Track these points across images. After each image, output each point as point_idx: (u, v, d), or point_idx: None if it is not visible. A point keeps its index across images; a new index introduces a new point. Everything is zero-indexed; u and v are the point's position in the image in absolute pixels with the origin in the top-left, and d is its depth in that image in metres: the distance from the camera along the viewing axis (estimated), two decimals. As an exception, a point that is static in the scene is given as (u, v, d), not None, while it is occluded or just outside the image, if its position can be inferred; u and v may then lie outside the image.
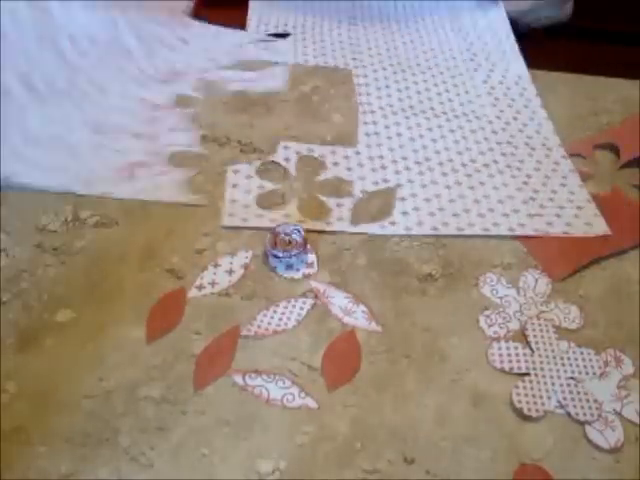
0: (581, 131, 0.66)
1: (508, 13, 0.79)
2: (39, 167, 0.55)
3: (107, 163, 0.57)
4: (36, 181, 0.54)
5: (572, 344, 0.48)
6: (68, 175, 0.55)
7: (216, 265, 0.51)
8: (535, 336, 0.48)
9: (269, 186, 0.57)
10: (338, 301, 0.49)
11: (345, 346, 0.47)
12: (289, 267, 0.51)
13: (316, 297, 0.49)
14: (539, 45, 0.82)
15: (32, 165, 0.55)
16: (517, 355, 0.47)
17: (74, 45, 0.64)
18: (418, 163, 0.61)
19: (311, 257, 0.52)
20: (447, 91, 0.71)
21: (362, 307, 0.49)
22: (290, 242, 0.52)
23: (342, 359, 0.46)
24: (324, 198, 0.57)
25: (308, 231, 0.53)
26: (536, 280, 0.52)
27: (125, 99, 0.62)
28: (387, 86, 0.70)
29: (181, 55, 0.70)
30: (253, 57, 0.73)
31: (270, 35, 0.76)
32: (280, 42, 0.75)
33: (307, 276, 0.51)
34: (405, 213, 0.56)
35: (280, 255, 0.51)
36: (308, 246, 0.52)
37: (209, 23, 0.76)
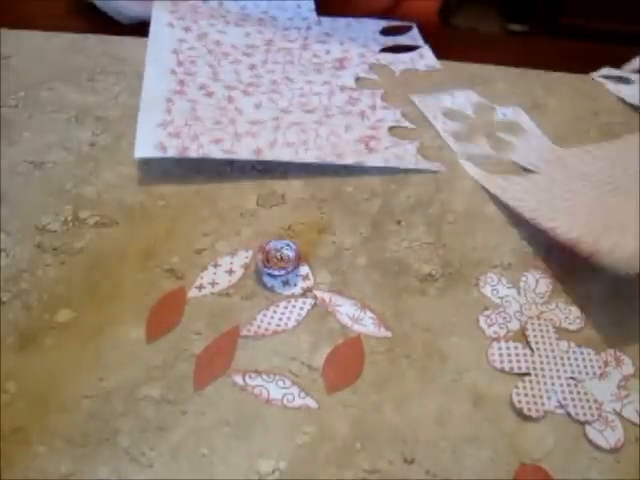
0: (581, 131, 0.66)
1: None
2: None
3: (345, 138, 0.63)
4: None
5: (572, 344, 0.48)
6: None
7: (216, 265, 0.51)
8: (535, 336, 0.48)
9: None
10: (345, 309, 0.49)
11: (349, 352, 0.46)
12: (286, 284, 0.50)
13: (322, 305, 0.49)
14: (539, 45, 0.83)
15: None
16: (517, 355, 0.47)
17: None
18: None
19: (304, 269, 0.51)
20: None
21: (369, 313, 0.49)
22: (282, 258, 0.51)
23: (345, 365, 0.46)
24: None
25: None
26: (537, 280, 0.52)
27: (315, 85, 0.69)
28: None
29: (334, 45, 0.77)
30: (395, 42, 0.79)
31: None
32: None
33: (306, 290, 0.50)
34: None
35: (276, 273, 0.50)
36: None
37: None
